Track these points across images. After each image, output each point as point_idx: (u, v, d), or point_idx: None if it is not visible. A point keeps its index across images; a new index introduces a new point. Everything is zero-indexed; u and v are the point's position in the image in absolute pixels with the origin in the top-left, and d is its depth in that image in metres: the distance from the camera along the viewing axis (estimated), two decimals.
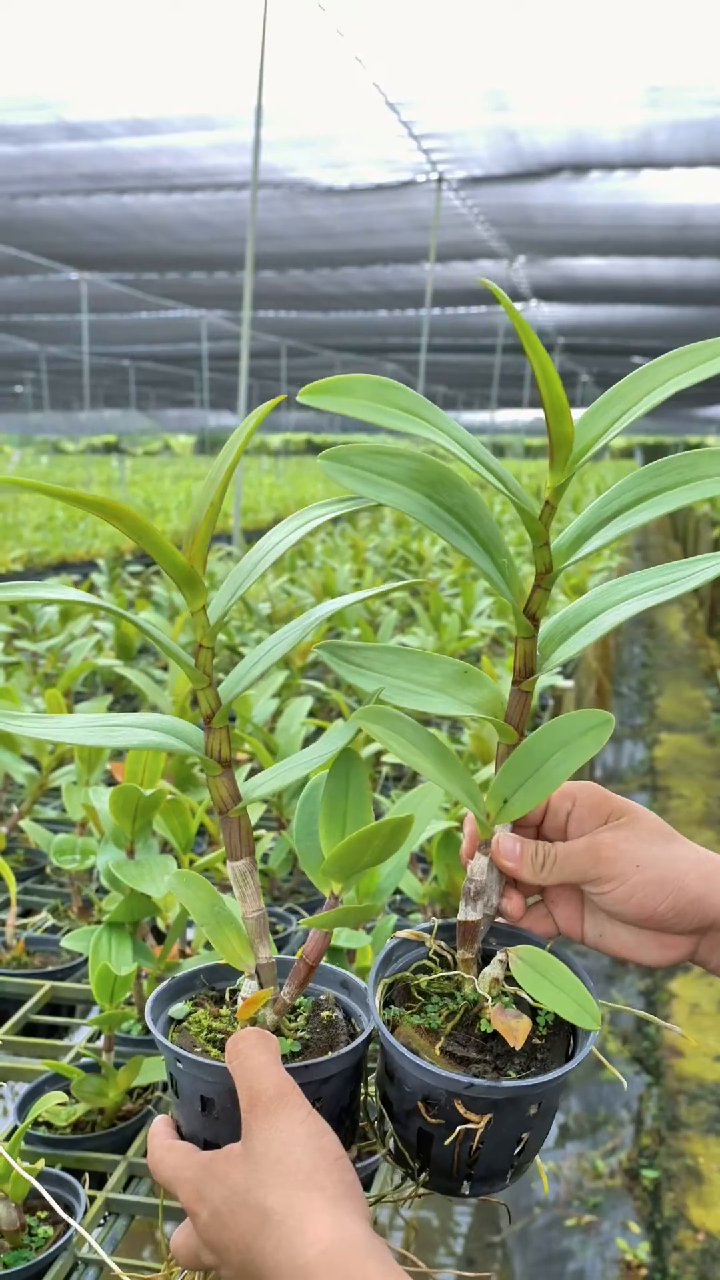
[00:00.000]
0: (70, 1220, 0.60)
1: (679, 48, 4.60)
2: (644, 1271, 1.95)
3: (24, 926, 1.29)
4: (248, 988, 0.59)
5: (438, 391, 26.15)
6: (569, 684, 2.47)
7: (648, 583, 0.54)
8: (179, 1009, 0.61)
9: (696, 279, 9.58)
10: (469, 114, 5.63)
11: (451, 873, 1.18)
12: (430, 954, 0.61)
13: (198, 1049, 0.57)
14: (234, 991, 0.62)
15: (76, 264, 10.16)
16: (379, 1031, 0.55)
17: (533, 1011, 0.56)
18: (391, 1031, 0.55)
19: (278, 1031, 0.58)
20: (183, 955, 1.07)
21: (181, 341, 16.49)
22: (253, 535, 6.15)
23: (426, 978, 0.59)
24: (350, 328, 14.88)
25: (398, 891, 1.27)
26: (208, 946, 1.07)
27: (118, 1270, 0.61)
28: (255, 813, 1.27)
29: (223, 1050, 0.54)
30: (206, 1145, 0.55)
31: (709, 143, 5.72)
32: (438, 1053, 0.54)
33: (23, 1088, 0.94)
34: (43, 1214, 0.80)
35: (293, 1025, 0.59)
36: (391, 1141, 0.57)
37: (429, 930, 0.61)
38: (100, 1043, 0.96)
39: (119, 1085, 0.90)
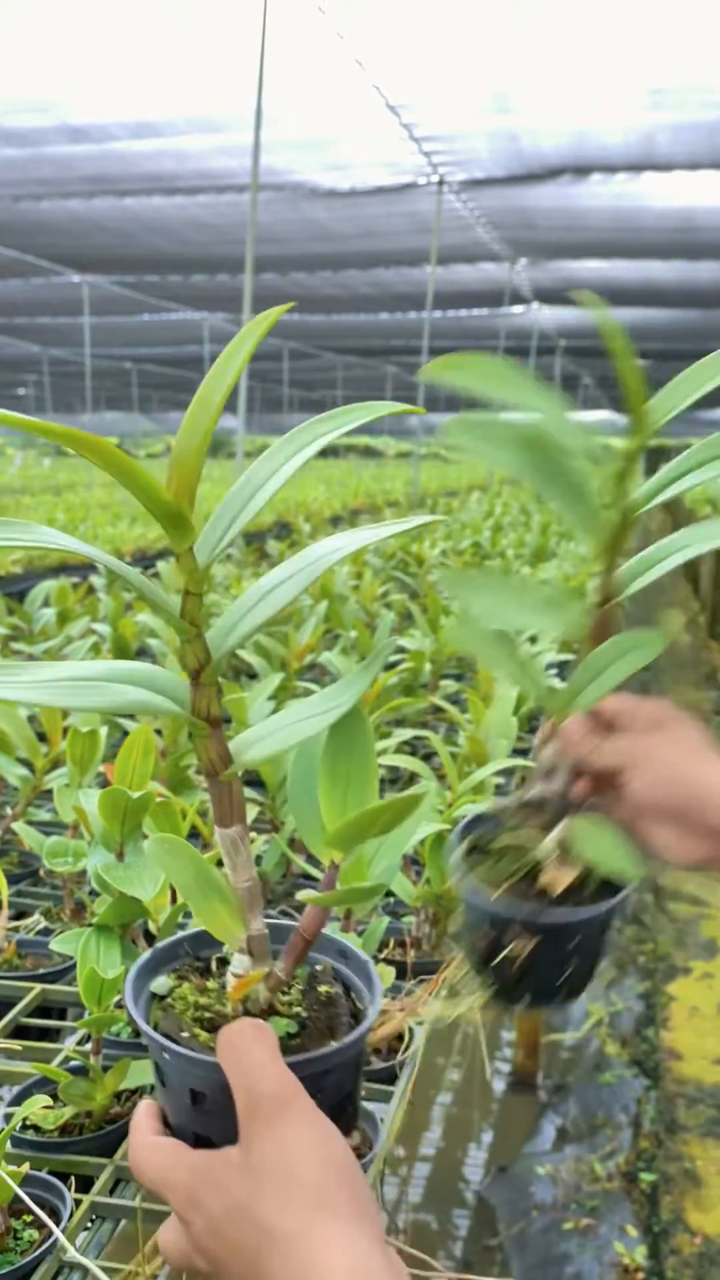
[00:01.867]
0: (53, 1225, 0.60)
1: (681, 49, 4.60)
2: (641, 1275, 1.95)
3: (16, 929, 1.29)
4: (238, 962, 0.55)
5: (441, 394, 26.14)
6: None
7: (712, 529, 0.65)
8: (161, 983, 0.57)
9: (699, 281, 9.58)
10: (470, 116, 5.64)
11: (444, 875, 1.17)
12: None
13: (185, 1032, 0.52)
14: (221, 961, 0.59)
15: (78, 266, 10.18)
16: (457, 882, 0.68)
17: (584, 878, 0.67)
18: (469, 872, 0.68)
19: (272, 1009, 0.54)
20: None
21: (183, 344, 16.51)
22: (253, 538, 6.13)
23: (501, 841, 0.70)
24: (352, 330, 14.90)
25: (390, 894, 1.26)
26: None
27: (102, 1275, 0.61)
28: (248, 815, 1.27)
29: (211, 1032, 0.51)
30: (197, 1139, 0.50)
31: (711, 144, 5.73)
32: (503, 893, 0.67)
33: (12, 1091, 0.94)
34: (28, 1217, 0.80)
35: (287, 999, 0.55)
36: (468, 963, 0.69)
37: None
38: (89, 1046, 0.95)
39: (106, 1088, 0.89)
